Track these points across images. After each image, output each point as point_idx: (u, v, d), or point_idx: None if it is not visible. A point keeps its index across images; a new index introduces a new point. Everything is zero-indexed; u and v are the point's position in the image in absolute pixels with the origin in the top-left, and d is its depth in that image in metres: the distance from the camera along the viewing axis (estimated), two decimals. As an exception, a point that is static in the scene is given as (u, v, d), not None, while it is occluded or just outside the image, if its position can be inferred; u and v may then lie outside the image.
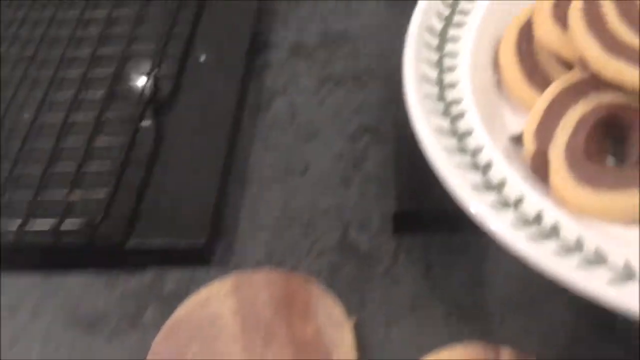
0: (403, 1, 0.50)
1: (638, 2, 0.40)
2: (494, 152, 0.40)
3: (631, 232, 0.38)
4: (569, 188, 0.39)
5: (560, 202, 0.39)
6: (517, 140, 0.42)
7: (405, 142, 0.43)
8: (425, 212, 0.44)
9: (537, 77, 0.44)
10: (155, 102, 0.48)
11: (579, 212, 0.39)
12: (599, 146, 0.41)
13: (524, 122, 0.42)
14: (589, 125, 0.40)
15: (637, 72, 0.38)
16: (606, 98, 0.41)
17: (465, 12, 0.47)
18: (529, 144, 0.41)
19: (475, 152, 0.40)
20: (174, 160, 0.46)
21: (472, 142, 0.40)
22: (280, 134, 0.49)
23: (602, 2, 0.41)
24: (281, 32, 0.56)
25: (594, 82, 0.40)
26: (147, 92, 0.48)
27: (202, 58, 0.52)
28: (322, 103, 0.51)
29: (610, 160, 0.41)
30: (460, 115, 0.41)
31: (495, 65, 0.45)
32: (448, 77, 0.43)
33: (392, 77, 0.45)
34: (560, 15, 0.43)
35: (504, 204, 0.37)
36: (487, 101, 0.44)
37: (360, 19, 0.56)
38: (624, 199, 0.38)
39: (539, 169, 0.40)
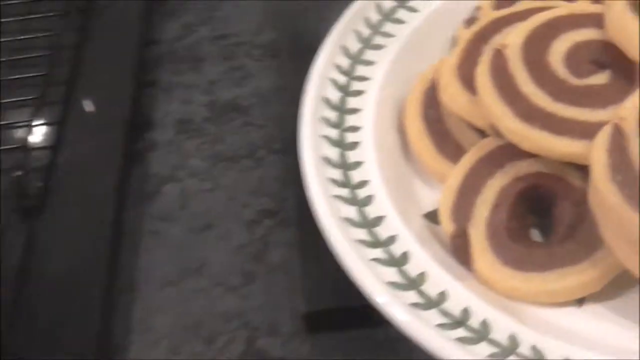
0: (296, 62, 0.47)
1: (549, 60, 0.38)
2: (409, 242, 0.37)
3: (564, 315, 0.35)
4: (495, 272, 0.36)
5: (486, 286, 0.36)
6: (432, 217, 0.39)
7: (310, 225, 0.39)
8: (341, 308, 0.40)
9: (449, 146, 0.41)
10: (21, 206, 0.43)
11: (507, 297, 0.36)
12: (522, 220, 0.38)
13: (439, 196, 0.39)
14: (509, 199, 0.38)
15: (556, 140, 0.36)
16: (525, 167, 0.38)
17: (363, 79, 0.44)
18: (447, 224, 0.38)
19: (389, 243, 0.36)
20: (48, 273, 0.42)
21: (383, 232, 0.37)
22: (171, 227, 0.45)
23: (511, 62, 0.38)
24: (164, 107, 0.52)
25: (511, 150, 0.38)
26: (12, 195, 0.43)
27: (77, 146, 0.47)
28: (216, 186, 0.47)
29: (535, 234, 0.39)
30: (369, 200, 0.38)
31: (403, 134, 0.43)
32: (351, 156, 0.40)
33: (291, 149, 0.41)
34: (467, 76, 0.40)
35: (426, 303, 0.34)
36: (397, 178, 0.41)
37: (250, 84, 0.52)
38: (554, 281, 0.36)
39: (460, 252, 0.37)
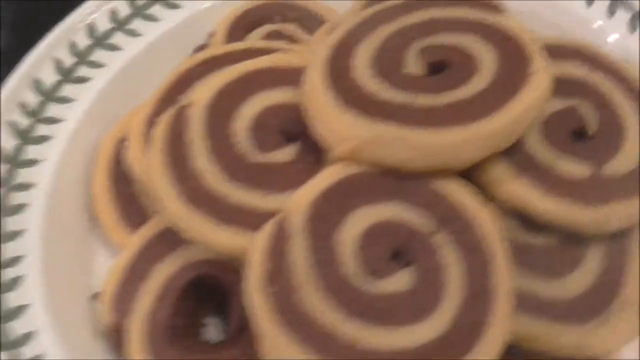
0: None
1: (234, 126, 0.35)
2: (49, 340, 0.33)
3: None
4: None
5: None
6: (97, 300, 0.36)
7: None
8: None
9: (134, 212, 0.38)
10: None
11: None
12: (190, 317, 0.35)
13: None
14: (176, 291, 0.34)
15: (218, 230, 0.32)
16: (198, 253, 0.35)
17: (53, 121, 0.40)
18: (105, 314, 0.35)
19: (20, 343, 0.33)
20: None
21: (19, 327, 0.34)
22: None
23: (191, 126, 0.35)
24: None
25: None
26: None
27: None
28: None
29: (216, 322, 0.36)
30: (15, 284, 0.35)
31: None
32: (10, 224, 0.36)
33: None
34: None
35: None
36: (72, 250, 0.37)
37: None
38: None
39: (118, 348, 0.34)
